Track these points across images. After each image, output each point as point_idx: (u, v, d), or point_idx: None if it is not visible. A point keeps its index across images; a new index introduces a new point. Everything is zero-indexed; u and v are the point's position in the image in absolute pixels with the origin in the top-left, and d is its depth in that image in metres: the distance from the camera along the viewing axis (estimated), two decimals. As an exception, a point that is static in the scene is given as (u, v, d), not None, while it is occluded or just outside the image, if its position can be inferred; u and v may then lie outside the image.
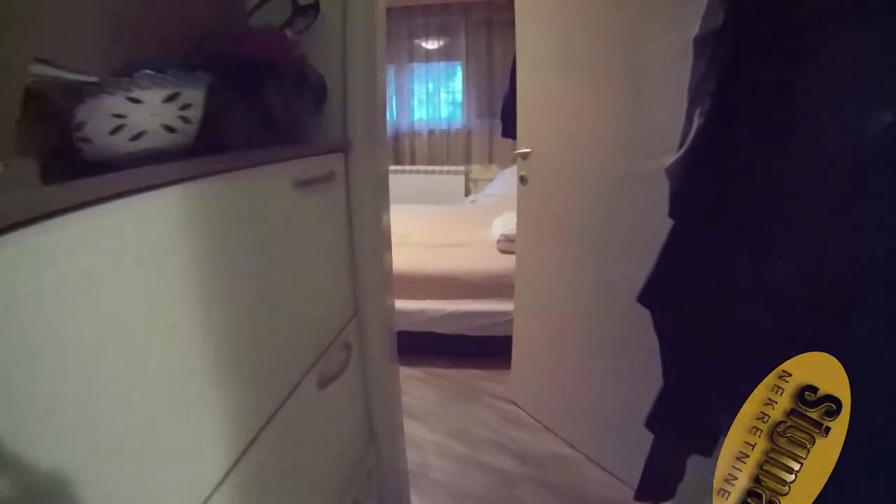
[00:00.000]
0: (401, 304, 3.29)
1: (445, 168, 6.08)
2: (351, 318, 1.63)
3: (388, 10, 5.12)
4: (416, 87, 6.13)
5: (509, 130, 2.77)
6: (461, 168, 6.05)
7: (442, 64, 6.02)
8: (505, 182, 5.40)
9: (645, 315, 1.37)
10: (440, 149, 6.16)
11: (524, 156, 2.48)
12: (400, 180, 6.13)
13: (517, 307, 2.83)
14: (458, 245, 3.72)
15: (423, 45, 5.94)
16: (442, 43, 5.90)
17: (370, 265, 1.67)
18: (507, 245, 3.43)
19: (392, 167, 6.09)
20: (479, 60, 5.80)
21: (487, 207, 4.88)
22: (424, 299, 3.33)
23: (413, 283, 3.35)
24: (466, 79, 5.92)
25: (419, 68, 6.07)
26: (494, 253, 3.51)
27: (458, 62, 5.91)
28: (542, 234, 2.54)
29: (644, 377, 1.49)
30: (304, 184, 1.23)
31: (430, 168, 6.13)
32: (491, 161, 6.04)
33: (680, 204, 1.25)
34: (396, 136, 6.22)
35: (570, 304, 2.42)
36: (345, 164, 1.54)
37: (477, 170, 6.11)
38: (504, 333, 3.09)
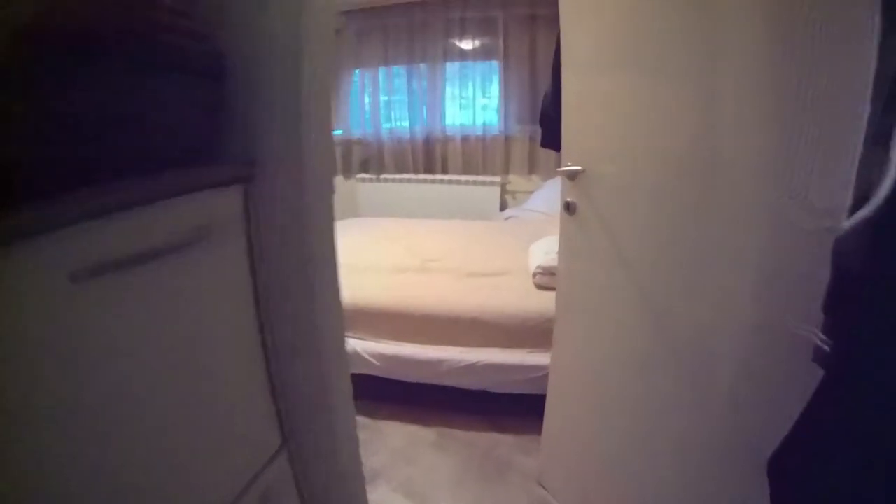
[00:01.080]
0: (414, 350, 2.79)
1: (480, 178, 5.57)
2: (274, 456, 1.08)
3: (422, 2, 4.68)
4: (449, 88, 5.64)
5: (550, 140, 2.24)
6: (497, 179, 5.52)
7: (478, 63, 5.52)
8: (546, 196, 4.88)
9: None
10: (475, 157, 5.65)
11: (572, 175, 1.89)
12: (430, 191, 5.69)
13: (554, 364, 2.25)
14: (494, 274, 3.18)
15: (458, 43, 5.45)
16: (478, 41, 5.42)
17: (306, 367, 1.12)
18: (545, 279, 2.88)
19: (423, 176, 5.69)
20: (519, 60, 5.26)
21: (527, 225, 4.34)
22: (444, 345, 2.79)
23: (432, 324, 2.82)
24: (505, 80, 5.39)
25: (452, 68, 5.58)
26: (530, 287, 2.95)
27: (496, 61, 5.39)
28: (591, 277, 1.95)
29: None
30: (100, 271, 0.67)
31: (464, 178, 5.61)
32: (531, 171, 5.50)
33: (869, 316, 0.69)
34: (427, 142, 5.74)
35: (624, 366, 1.85)
36: (244, 203, 1.00)
37: (515, 181, 5.58)
38: (540, 391, 2.51)
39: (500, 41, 5.27)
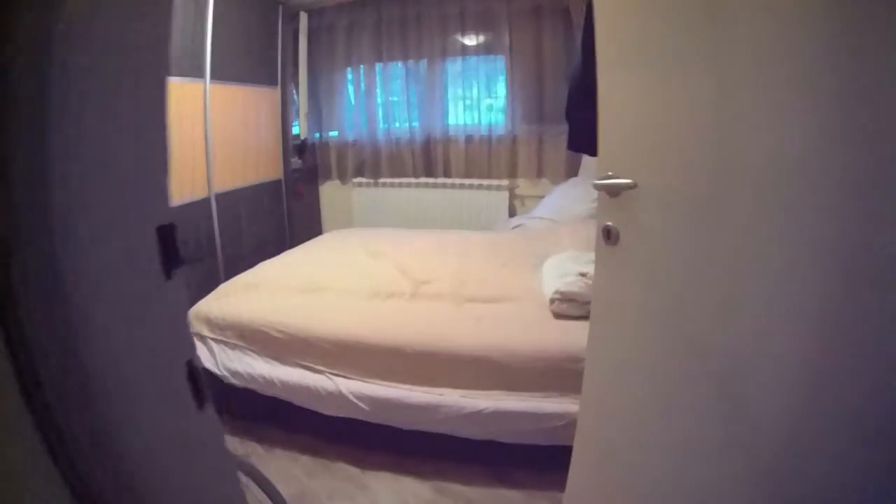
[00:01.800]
0: (406, 393, 2.42)
1: (486, 182, 5.18)
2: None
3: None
4: (450, 85, 5.26)
5: (581, 140, 1.84)
6: (504, 183, 5.12)
7: (482, 59, 5.14)
8: (557, 202, 4.49)
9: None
10: (480, 159, 5.25)
11: (614, 191, 1.48)
12: (431, 196, 5.34)
13: (584, 413, 1.82)
14: (500, 300, 2.78)
15: (459, 38, 5.08)
16: (481, 35, 5.05)
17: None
18: (564, 307, 2.49)
19: (422, 180, 5.34)
20: (526, 55, 4.87)
21: (537, 235, 3.93)
22: (442, 387, 2.40)
23: (427, 363, 2.43)
24: (511, 77, 5.00)
25: (454, 64, 5.21)
26: (546, 316, 2.54)
27: (502, 56, 5.00)
28: (636, 318, 1.56)
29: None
30: None
31: (468, 182, 5.22)
32: (540, 175, 5.10)
33: None
34: (428, 144, 5.37)
35: (674, 421, 1.51)
36: None
37: (524, 185, 5.18)
38: (555, 442, 2.16)
39: (505, 35, 4.90)
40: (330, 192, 5.90)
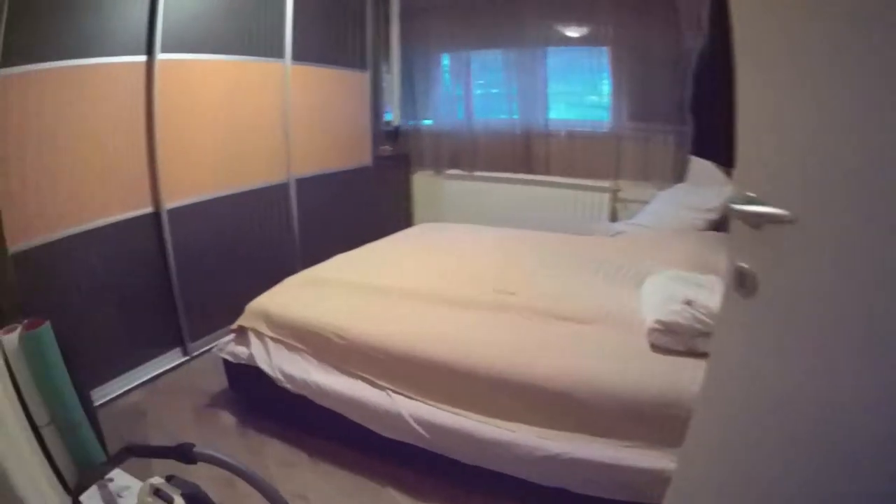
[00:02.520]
0: (476, 425, 2.08)
1: (587, 182, 4.69)
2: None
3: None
4: (552, 76, 4.79)
5: (709, 146, 1.39)
6: (606, 184, 4.63)
7: (585, 50, 4.63)
8: (662, 209, 4.01)
9: None
10: (582, 157, 4.78)
11: (755, 221, 1.03)
12: (528, 193, 4.93)
13: (683, 475, 1.41)
14: (590, 321, 2.34)
15: (560, 26, 4.61)
16: (584, 24, 4.54)
17: None
18: (664, 340, 2.06)
19: (520, 176, 4.95)
20: (630, 47, 4.35)
21: (639, 245, 3.44)
22: (515, 421, 2.02)
23: (502, 391, 2.06)
24: (615, 70, 4.49)
25: (556, 54, 4.74)
26: (642, 347, 2.11)
27: (605, 48, 4.50)
28: (771, 390, 1.10)
29: None
30: None
31: (568, 181, 4.76)
32: (644, 177, 4.56)
33: None
34: (528, 137, 4.94)
35: None
36: None
37: (626, 187, 4.66)
38: (637, 499, 1.78)
39: (609, 25, 4.40)
40: (422, 183, 5.61)
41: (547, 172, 4.93)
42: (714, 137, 1.24)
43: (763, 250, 1.03)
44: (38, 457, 1.54)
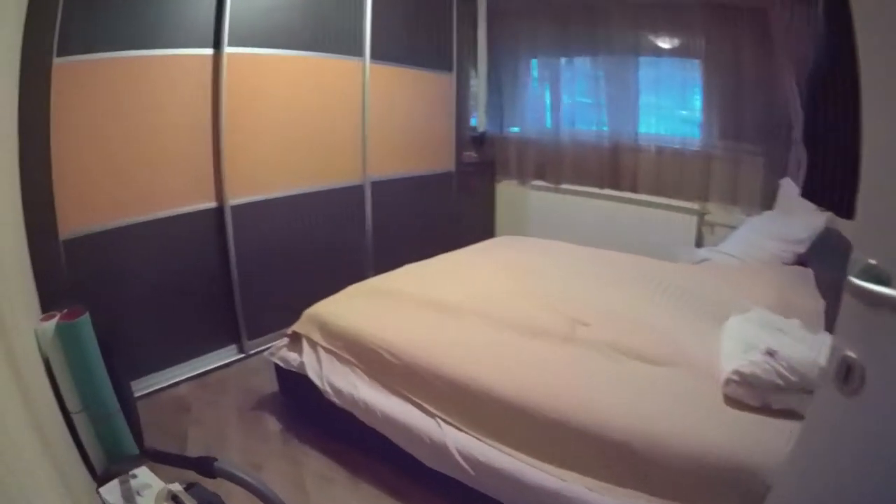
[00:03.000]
0: (526, 469, 1.88)
1: (674, 202, 4.41)
2: None
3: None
4: (642, 88, 4.52)
5: (824, 190, 1.10)
6: (694, 206, 4.34)
7: (676, 62, 4.35)
8: (749, 237, 3.66)
9: None
10: (670, 175, 4.48)
11: (874, 298, 0.75)
12: (614, 210, 4.68)
13: None
14: (661, 362, 2.09)
15: (651, 35, 4.35)
16: (674, 35, 4.28)
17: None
18: (740, 393, 1.80)
19: (607, 192, 4.72)
20: (722, 61, 4.03)
21: (723, 277, 3.10)
22: (566, 469, 1.81)
23: (559, 434, 1.85)
24: (707, 84, 4.18)
25: (647, 65, 4.46)
26: (716, 398, 1.85)
27: (696, 61, 4.19)
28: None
29: None
30: None
31: (656, 200, 4.49)
32: (733, 201, 4.22)
33: None
34: (616, 151, 4.68)
35: None
36: None
37: (715, 211, 4.35)
38: None
39: (700, 37, 4.10)
40: (507, 192, 5.43)
41: (634, 189, 4.67)
42: (831, 180, 1.00)
43: (877, 337, 0.78)
44: (66, 442, 1.55)
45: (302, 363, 2.55)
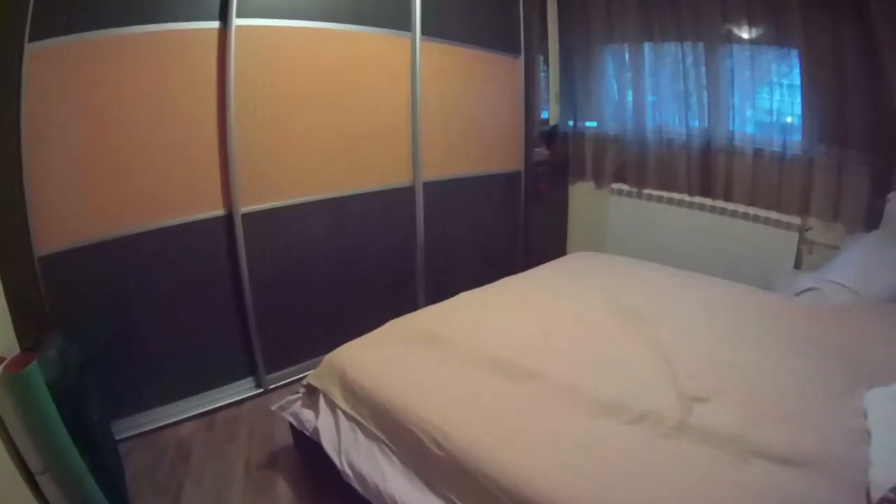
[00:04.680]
0: None
1: (773, 215, 3.66)
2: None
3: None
4: (737, 82, 3.76)
5: None
6: (795, 220, 3.57)
7: (771, 51, 3.60)
8: (860, 263, 2.93)
9: None
10: (768, 183, 3.71)
11: None
12: (704, 222, 3.95)
13: None
14: (791, 461, 1.43)
15: (743, 22, 3.62)
16: (769, 21, 3.51)
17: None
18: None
19: (697, 199, 3.99)
20: (822, 54, 3.28)
21: (843, 319, 2.41)
22: None
23: None
24: (806, 80, 3.41)
25: (740, 53, 3.71)
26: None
27: (795, 50, 3.43)
28: None
29: None
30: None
31: (751, 211, 3.74)
32: (835, 216, 3.45)
33: None
34: (707, 152, 3.94)
35: None
36: None
37: (816, 227, 3.55)
38: None
39: (799, 24, 3.35)
40: (581, 196, 4.72)
41: (728, 197, 3.92)
42: None
43: None
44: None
45: (316, 429, 1.97)
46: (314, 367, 2.18)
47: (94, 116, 2.16)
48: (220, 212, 2.50)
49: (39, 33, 1.93)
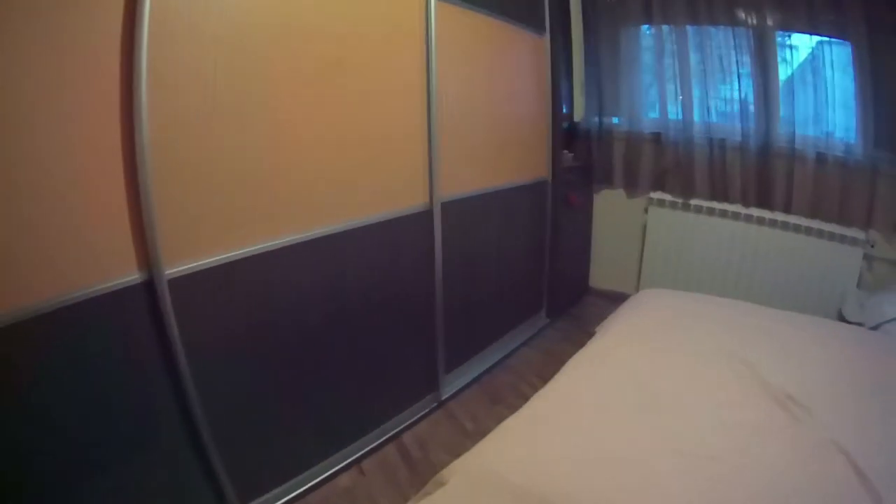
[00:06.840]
0: None
1: (835, 230, 3.25)
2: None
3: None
4: (798, 76, 3.27)
5: None
6: (860, 234, 3.17)
7: (828, 43, 3.13)
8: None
9: None
10: (830, 193, 3.26)
11: None
12: (760, 238, 3.43)
13: None
14: None
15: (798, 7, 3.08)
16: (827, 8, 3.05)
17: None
18: None
19: (753, 212, 3.45)
20: (881, 44, 2.92)
21: None
22: None
23: None
24: (862, 78, 3.01)
25: (799, 45, 3.26)
26: None
27: (848, 43, 3.05)
28: None
29: None
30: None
31: (811, 224, 3.29)
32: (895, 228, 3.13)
33: None
34: (765, 156, 3.33)
35: None
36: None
37: (880, 242, 3.16)
38: None
39: (856, 14, 2.92)
40: (608, 207, 3.97)
41: (787, 209, 3.37)
42: None
43: None
44: None
45: None
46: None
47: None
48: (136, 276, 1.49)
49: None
